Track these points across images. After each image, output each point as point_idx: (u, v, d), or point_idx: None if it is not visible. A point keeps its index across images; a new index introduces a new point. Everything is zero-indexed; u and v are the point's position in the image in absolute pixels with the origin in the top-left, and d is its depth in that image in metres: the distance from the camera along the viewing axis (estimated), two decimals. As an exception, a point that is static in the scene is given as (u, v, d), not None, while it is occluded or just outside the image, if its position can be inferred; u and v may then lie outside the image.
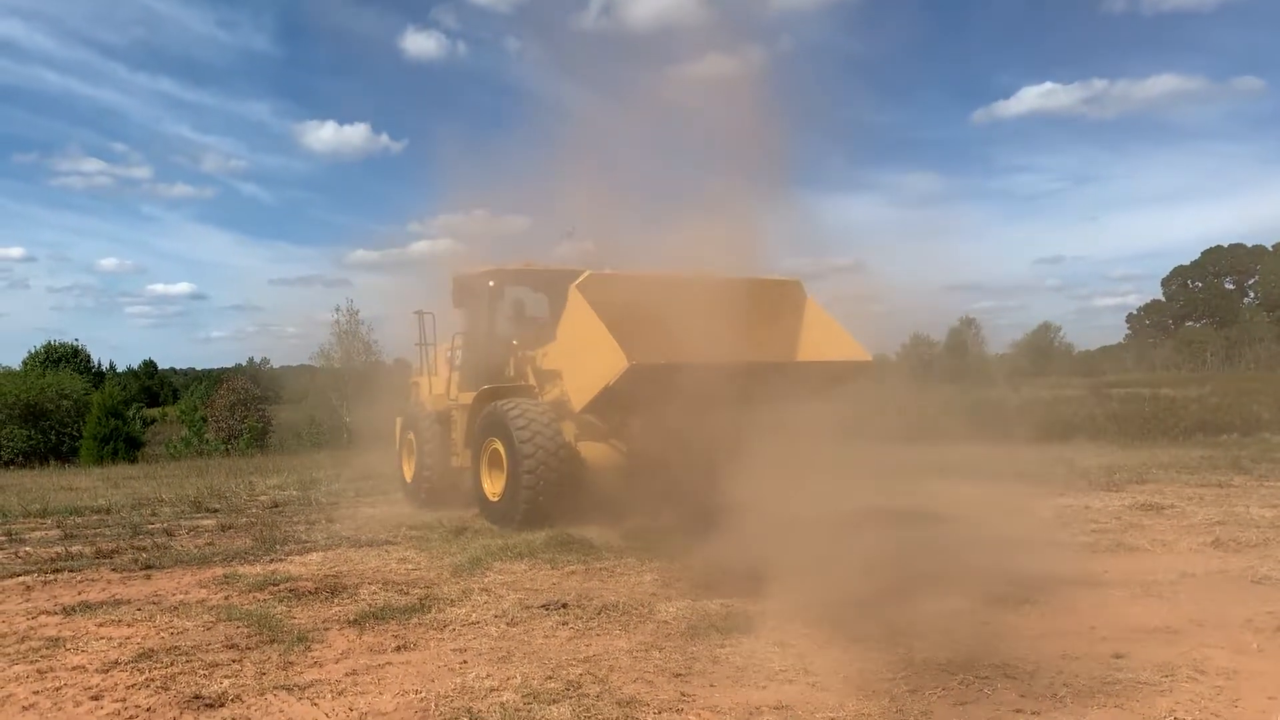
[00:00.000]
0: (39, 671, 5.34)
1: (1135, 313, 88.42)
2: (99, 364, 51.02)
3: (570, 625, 6.06)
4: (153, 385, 72.43)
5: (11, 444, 29.15)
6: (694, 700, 4.62)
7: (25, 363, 42.85)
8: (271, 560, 8.58)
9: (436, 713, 4.49)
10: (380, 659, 5.42)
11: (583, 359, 8.92)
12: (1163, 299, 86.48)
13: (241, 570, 8.10)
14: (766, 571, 6.85)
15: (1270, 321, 68.33)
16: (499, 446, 9.88)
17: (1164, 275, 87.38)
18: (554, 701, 4.58)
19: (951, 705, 4.48)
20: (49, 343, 47.38)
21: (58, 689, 5.02)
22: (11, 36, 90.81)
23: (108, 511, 12.37)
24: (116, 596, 7.22)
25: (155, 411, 46.12)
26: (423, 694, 4.76)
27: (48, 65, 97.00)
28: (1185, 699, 4.52)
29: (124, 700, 4.82)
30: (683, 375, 8.28)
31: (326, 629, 6.09)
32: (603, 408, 9.12)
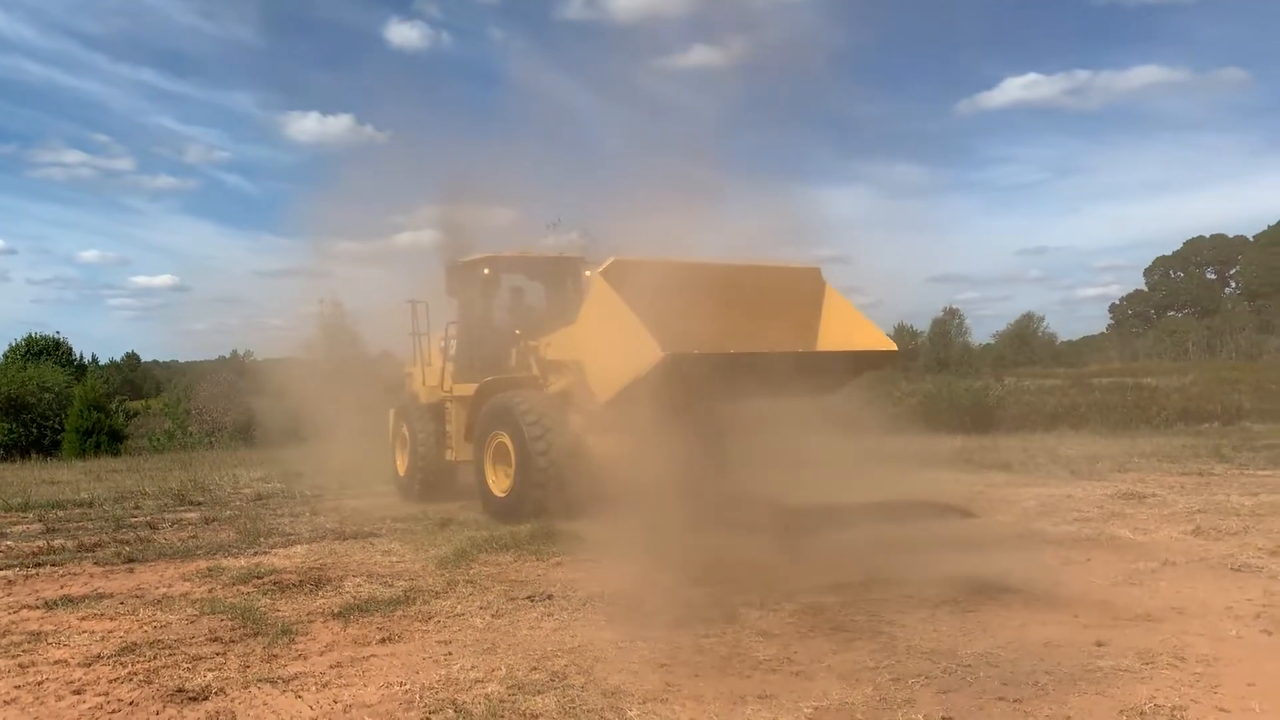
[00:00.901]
0: (20, 666, 5.31)
1: (1118, 303, 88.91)
2: (81, 357, 50.36)
3: (555, 616, 6.07)
4: (135, 378, 71.85)
5: (-7, 437, 28.90)
6: (679, 690, 4.63)
7: (6, 356, 42.36)
8: (255, 553, 8.55)
9: (421, 704, 4.48)
10: (365, 651, 5.40)
11: (608, 349, 8.53)
12: (1145, 289, 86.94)
13: (225, 563, 8.07)
14: (746, 561, 6.87)
15: (1251, 311, 68.83)
16: (506, 441, 9.60)
17: (1146, 265, 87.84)
18: (539, 692, 4.57)
19: (935, 693, 4.50)
20: (30, 335, 46.67)
21: (39, 683, 4.99)
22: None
23: (90, 505, 12.29)
24: (99, 590, 7.18)
25: (138, 404, 45.68)
26: (407, 686, 4.75)
27: (29, 55, 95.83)
28: (1165, 686, 4.56)
29: (106, 694, 4.79)
30: (715, 366, 8.06)
31: (311, 621, 6.07)
32: (628, 400, 8.66)
